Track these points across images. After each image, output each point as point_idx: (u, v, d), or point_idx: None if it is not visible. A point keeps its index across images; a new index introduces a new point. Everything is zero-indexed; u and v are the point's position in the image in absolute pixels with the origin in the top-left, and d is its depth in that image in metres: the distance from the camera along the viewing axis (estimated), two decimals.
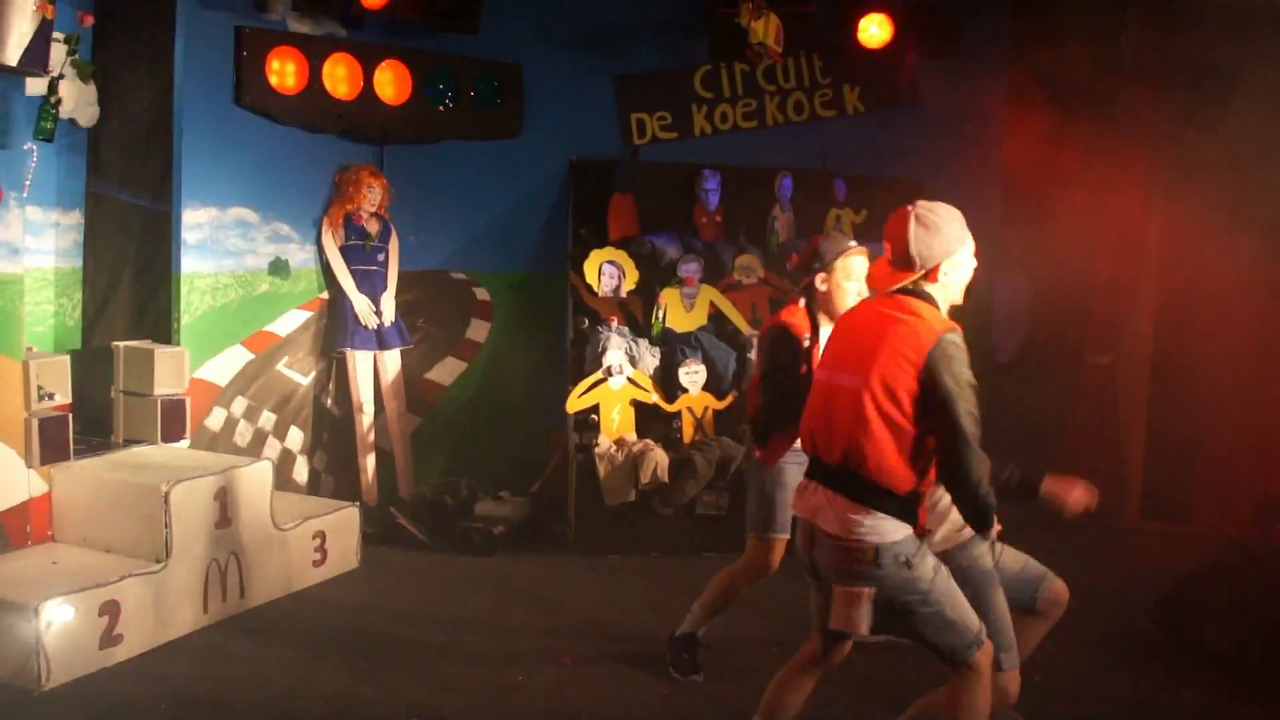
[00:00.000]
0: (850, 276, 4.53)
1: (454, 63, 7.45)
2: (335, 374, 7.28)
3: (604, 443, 6.97)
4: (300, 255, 7.05)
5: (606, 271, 7.41)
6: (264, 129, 6.78)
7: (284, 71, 6.75)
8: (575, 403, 7.02)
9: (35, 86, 5.64)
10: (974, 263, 3.60)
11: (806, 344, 4.48)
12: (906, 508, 3.45)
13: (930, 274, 3.52)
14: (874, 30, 7.73)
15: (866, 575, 3.45)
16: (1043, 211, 8.01)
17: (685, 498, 6.85)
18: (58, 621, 4.69)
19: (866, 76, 8.26)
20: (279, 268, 6.93)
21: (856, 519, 3.44)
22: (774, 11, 7.42)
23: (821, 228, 7.92)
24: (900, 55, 7.97)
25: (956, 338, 3.37)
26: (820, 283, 4.55)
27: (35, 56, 5.28)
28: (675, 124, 8.13)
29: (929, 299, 3.51)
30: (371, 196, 7.12)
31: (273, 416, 6.93)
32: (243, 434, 6.74)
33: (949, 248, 3.50)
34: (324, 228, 7.06)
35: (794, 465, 4.43)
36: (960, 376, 3.32)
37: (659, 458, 6.81)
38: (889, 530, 3.43)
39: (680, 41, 8.04)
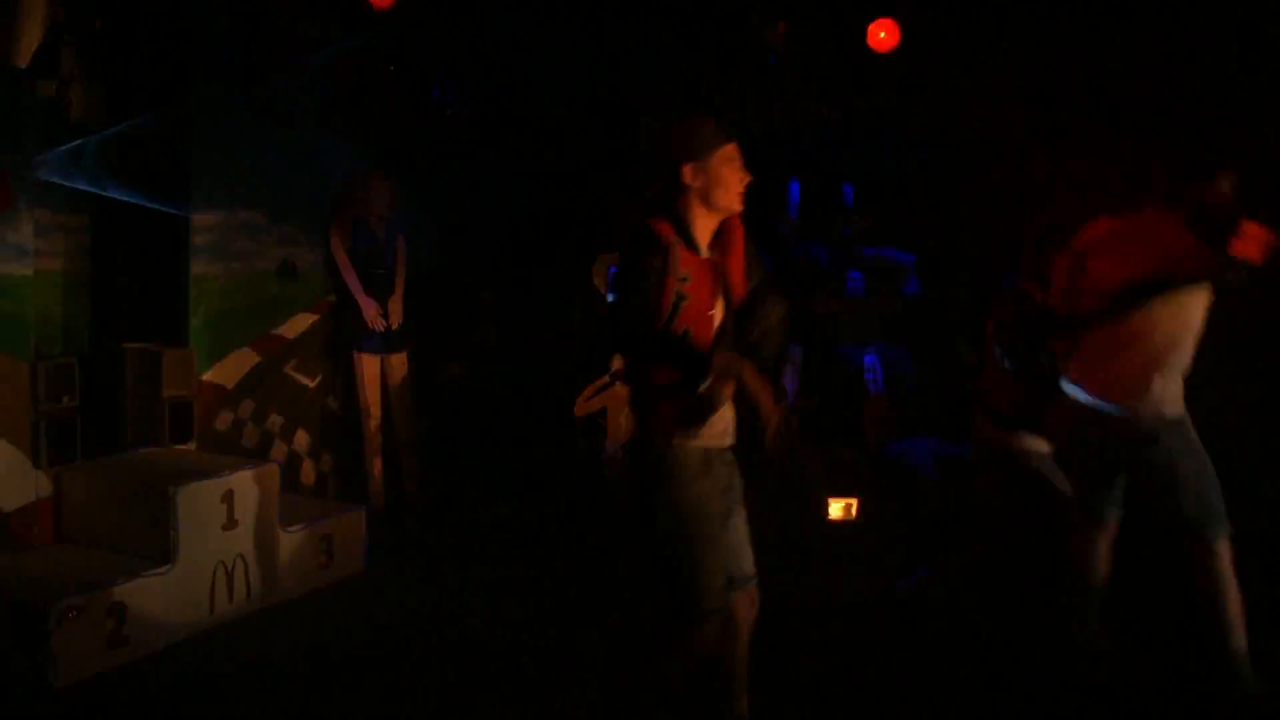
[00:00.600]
0: None
1: None
2: (343, 377, 7.28)
3: (612, 446, 6.96)
4: (309, 258, 7.06)
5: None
6: (275, 131, 6.79)
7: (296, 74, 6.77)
8: (583, 406, 7.02)
9: (45, 89, 5.65)
10: None
11: None
12: None
13: None
14: (883, 35, 7.72)
15: None
16: None
17: None
18: (64, 621, 4.70)
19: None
20: (288, 270, 6.94)
21: None
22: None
23: (829, 232, 7.94)
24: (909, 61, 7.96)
25: None
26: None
27: (46, 59, 5.32)
28: None
29: None
30: (379, 200, 7.12)
31: (280, 419, 6.94)
32: (250, 436, 6.75)
33: None
34: (332, 231, 7.06)
35: None
36: None
37: None
38: None
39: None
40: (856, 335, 7.72)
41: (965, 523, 6.30)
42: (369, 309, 7.03)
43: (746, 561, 3.79)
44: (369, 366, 7.13)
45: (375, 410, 7.18)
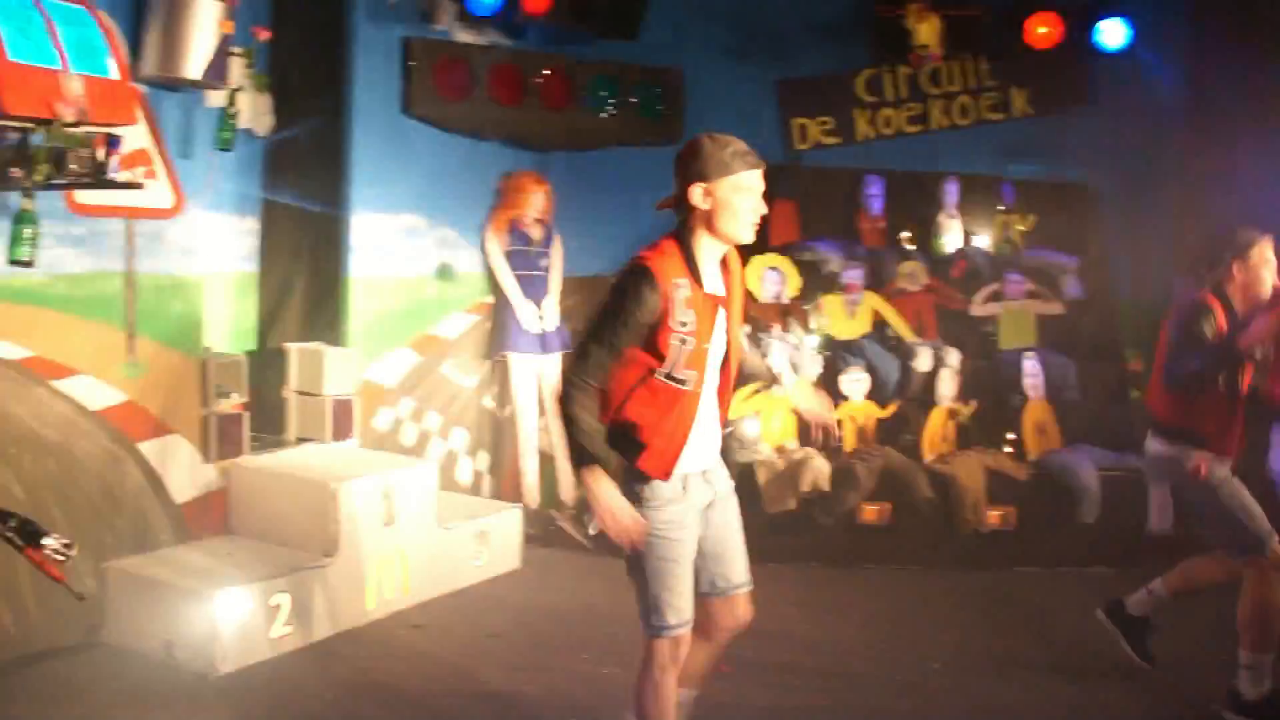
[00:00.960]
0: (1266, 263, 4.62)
1: (615, 69, 7.52)
2: (498, 377, 7.37)
3: (764, 450, 6.92)
4: (466, 260, 7.17)
5: (768, 278, 7.38)
6: (430, 137, 6.92)
7: (449, 80, 6.88)
8: (736, 409, 6.98)
9: (215, 98, 5.84)
10: None
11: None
12: None
13: None
14: (1043, 30, 7.55)
15: None
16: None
17: (846, 507, 6.76)
18: (233, 610, 4.86)
19: (1035, 79, 8.06)
20: (445, 273, 7.07)
21: None
22: (938, 13, 7.32)
23: (990, 233, 7.79)
24: (1070, 55, 7.76)
25: None
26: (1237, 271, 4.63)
27: (216, 70, 5.51)
28: (838, 129, 8.05)
29: None
30: (535, 202, 7.18)
31: (438, 418, 7.06)
32: (409, 434, 6.88)
33: None
34: (489, 233, 7.16)
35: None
36: None
37: (820, 466, 6.73)
38: None
39: (842, 45, 7.97)
40: (1016, 339, 7.54)
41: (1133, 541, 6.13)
42: (524, 311, 7.09)
43: (733, 570, 3.77)
44: (524, 367, 7.20)
45: (530, 411, 7.24)
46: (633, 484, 3.52)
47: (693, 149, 3.48)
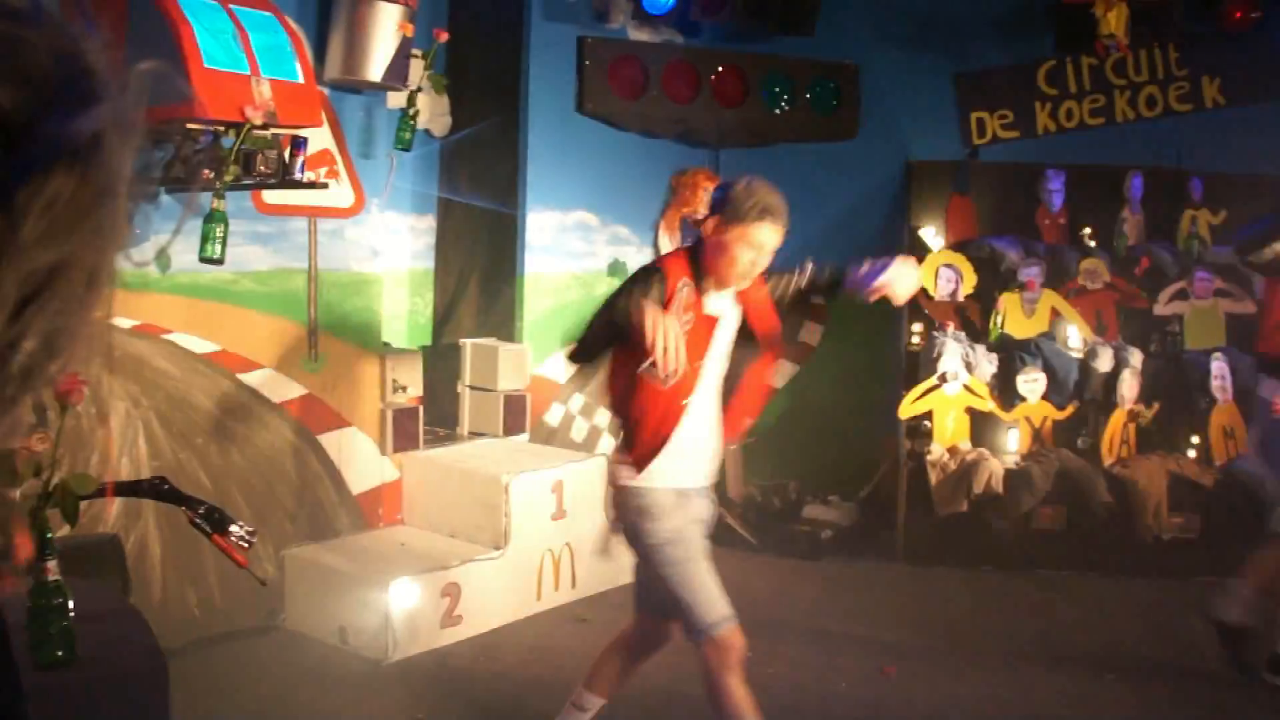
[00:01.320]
0: None
1: (790, 66, 7.48)
2: None
3: (936, 450, 6.80)
4: (637, 257, 7.23)
5: (944, 275, 7.24)
6: (604, 135, 7.00)
7: (623, 78, 6.95)
8: (908, 408, 6.88)
9: (395, 100, 6.02)
10: None
11: None
12: None
13: None
14: (1240, 15, 7.23)
15: None
16: None
17: (1020, 510, 6.60)
18: (405, 599, 5.01)
19: (1229, 66, 7.72)
20: (617, 269, 7.14)
21: None
22: (1125, 1, 7.09)
23: (1175, 230, 7.49)
24: (1267, 41, 7.41)
25: None
26: None
27: (396, 72, 5.66)
28: (1017, 122, 7.84)
29: None
30: (707, 199, 7.19)
31: (607, 414, 7.13)
32: (579, 429, 6.97)
33: None
34: (661, 230, 7.19)
35: None
36: None
37: (993, 468, 6.59)
38: None
39: (1022, 36, 7.76)
40: (1204, 339, 7.24)
41: None
42: None
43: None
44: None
45: None
46: (631, 501, 3.60)
47: (726, 186, 3.61)
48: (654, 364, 3.31)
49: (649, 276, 3.55)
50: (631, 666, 4.00)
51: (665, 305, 3.45)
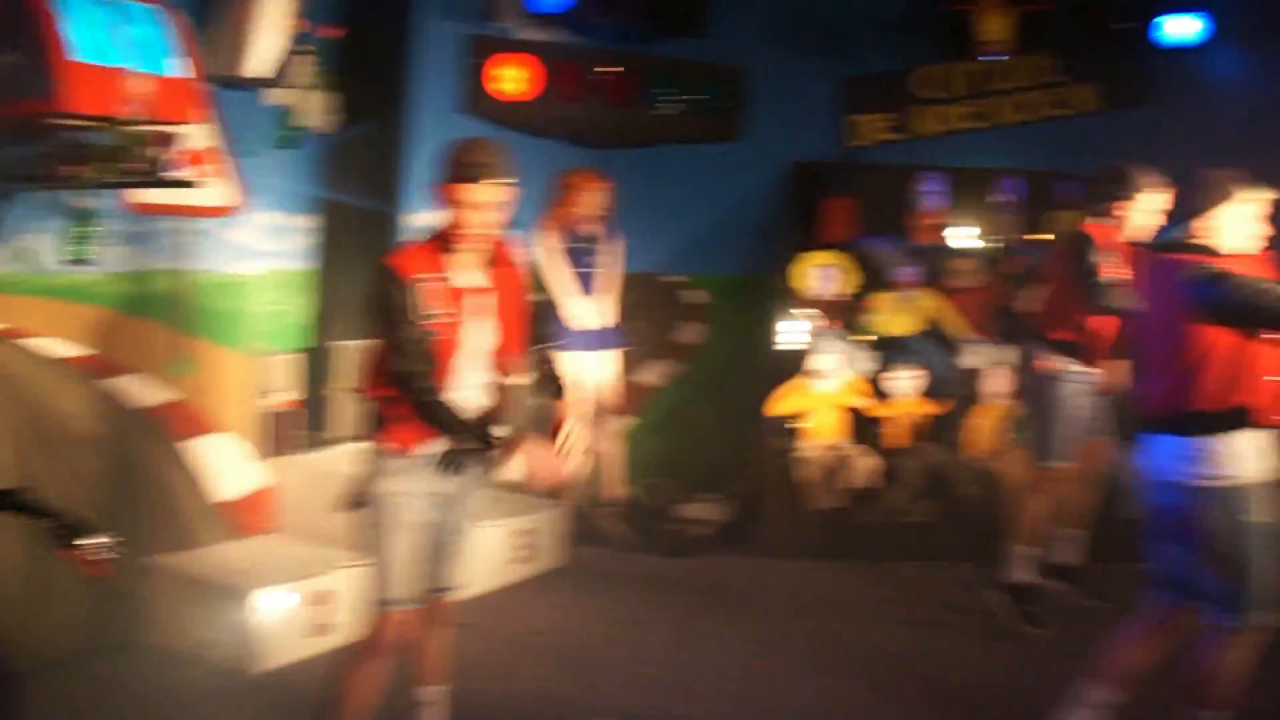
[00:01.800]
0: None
1: (677, 67, 7.53)
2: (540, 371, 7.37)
3: (811, 447, 6.92)
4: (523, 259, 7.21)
5: (824, 274, 7.37)
6: (491, 134, 6.94)
7: (511, 78, 6.95)
8: (778, 405, 7.00)
9: (280, 97, 5.93)
10: None
11: None
12: None
13: None
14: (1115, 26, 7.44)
15: None
16: None
17: (892, 504, 6.76)
18: (268, 609, 4.93)
19: (1104, 74, 7.93)
20: None
21: None
22: (1007, 8, 7.26)
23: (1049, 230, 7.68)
24: (1143, 49, 7.63)
25: None
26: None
27: (280, 68, 5.58)
28: (898, 125, 8.01)
29: None
30: (592, 200, 7.18)
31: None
32: None
33: None
34: (545, 231, 7.18)
35: None
36: None
37: (867, 463, 6.74)
38: None
39: (908, 41, 7.92)
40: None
41: None
42: (578, 308, 7.10)
43: (440, 575, 3.88)
44: (575, 365, 7.20)
45: (580, 408, 7.23)
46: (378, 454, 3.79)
47: (447, 152, 3.69)
48: None
49: (390, 288, 3.61)
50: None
51: (413, 309, 3.57)
